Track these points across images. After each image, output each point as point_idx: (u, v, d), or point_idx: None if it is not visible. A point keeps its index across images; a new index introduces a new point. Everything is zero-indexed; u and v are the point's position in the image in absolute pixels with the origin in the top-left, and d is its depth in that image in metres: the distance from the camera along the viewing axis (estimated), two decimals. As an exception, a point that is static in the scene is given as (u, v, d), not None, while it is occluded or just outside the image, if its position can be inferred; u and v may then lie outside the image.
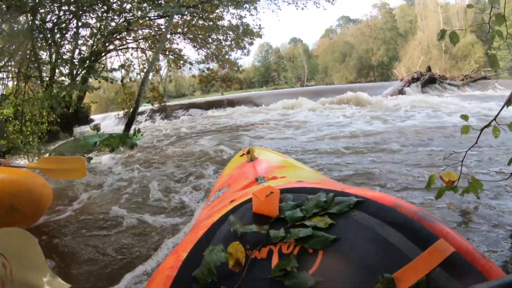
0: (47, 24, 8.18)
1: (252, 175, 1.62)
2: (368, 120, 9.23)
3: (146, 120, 16.83)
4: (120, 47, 14.30)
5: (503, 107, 1.83)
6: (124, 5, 10.44)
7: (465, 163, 2.31)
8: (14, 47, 7.29)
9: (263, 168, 1.77)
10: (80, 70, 8.57)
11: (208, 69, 15.72)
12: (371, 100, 15.10)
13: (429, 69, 21.65)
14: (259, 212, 0.98)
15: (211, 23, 14.61)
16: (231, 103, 18.99)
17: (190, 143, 8.10)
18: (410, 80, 20.60)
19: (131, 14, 10.73)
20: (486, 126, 1.83)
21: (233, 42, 15.44)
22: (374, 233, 0.81)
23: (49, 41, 8.31)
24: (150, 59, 13.64)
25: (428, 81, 20.75)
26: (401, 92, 19.34)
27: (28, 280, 0.95)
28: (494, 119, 1.79)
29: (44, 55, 9.14)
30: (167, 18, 12.10)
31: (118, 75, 14.10)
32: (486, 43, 37.94)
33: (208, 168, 5.10)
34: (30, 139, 7.16)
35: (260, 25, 15.29)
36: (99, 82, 11.22)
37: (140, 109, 15.65)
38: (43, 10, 7.93)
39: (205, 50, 15.71)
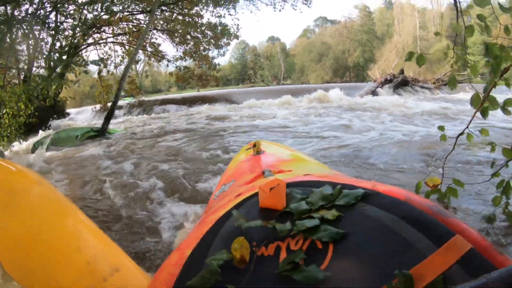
0: (27, 16, 8.08)
1: (259, 169, 1.59)
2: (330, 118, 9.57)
3: (124, 114, 16.62)
4: (100, 41, 14.13)
5: (472, 118, 1.94)
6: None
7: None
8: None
9: (269, 161, 1.73)
10: (59, 63, 8.51)
11: (185, 67, 15.70)
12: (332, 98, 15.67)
13: (402, 71, 22.12)
14: (265, 206, 0.96)
15: (190, 19, 14.59)
16: (207, 100, 19.04)
17: (165, 139, 7.99)
18: (383, 81, 20.93)
19: (112, 6, 10.64)
20: (460, 134, 1.91)
21: (211, 40, 15.45)
22: (386, 227, 0.77)
23: (28, 33, 8.22)
24: (130, 54, 13.53)
25: (401, 83, 21.15)
26: (374, 93, 19.46)
27: None
28: (467, 127, 1.92)
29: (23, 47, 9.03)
30: (147, 13, 12.09)
31: (94, 68, 13.86)
32: (459, 48, 38.81)
33: (179, 165, 5.04)
34: (8, 132, 7.13)
35: (238, 25, 15.18)
36: (76, 76, 11.12)
37: (121, 103, 15.51)
38: (23, 1, 7.83)
39: (183, 47, 15.67)
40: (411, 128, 7.41)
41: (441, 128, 2.14)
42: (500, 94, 1.74)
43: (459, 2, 2.15)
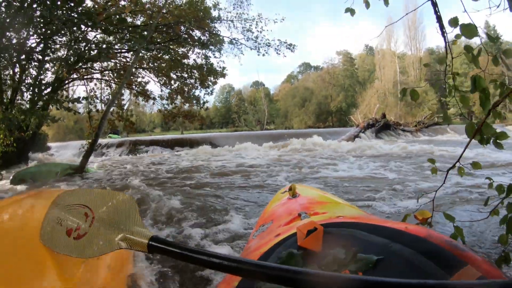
0: (13, 45, 8.02)
1: (295, 211, 1.67)
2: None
3: (104, 154, 16.41)
4: (85, 77, 14.08)
5: (464, 151, 1.92)
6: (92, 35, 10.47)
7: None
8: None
9: (305, 204, 1.83)
10: (42, 96, 8.41)
11: (172, 103, 15.72)
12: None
13: (383, 115, 22.60)
14: (303, 246, 1.04)
15: (177, 60, 14.74)
16: (192, 143, 19.13)
17: (143, 180, 7.29)
18: (365, 126, 21.32)
19: (99, 44, 10.68)
20: (451, 168, 1.92)
21: (197, 80, 15.56)
22: (408, 262, 0.86)
23: (14, 62, 8.14)
24: (114, 91, 13.51)
25: (383, 127, 21.59)
26: (356, 137, 19.86)
27: (110, 228, 1.01)
28: (458, 160, 1.92)
29: (6, 76, 8.95)
30: (133, 52, 12.17)
31: (78, 105, 13.76)
32: (439, 90, 40.34)
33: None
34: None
35: (224, 67, 15.40)
36: (59, 111, 10.96)
37: (110, 141, 15.35)
38: (11, 29, 7.79)
39: (168, 87, 15.73)
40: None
41: (431, 161, 2.12)
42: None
43: (446, 34, 2.17)
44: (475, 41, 22.72)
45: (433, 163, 2.06)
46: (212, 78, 15.43)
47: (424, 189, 4.84)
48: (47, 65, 9.89)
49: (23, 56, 8.43)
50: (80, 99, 9.52)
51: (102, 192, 1.13)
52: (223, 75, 15.68)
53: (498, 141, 1.69)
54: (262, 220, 1.97)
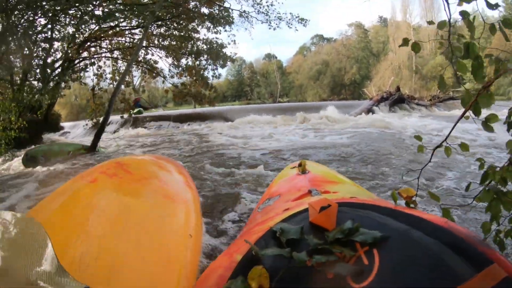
0: (20, 26, 8.03)
1: (305, 187, 1.67)
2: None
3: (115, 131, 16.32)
4: (94, 55, 14.10)
5: (452, 128, 1.87)
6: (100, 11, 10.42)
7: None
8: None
9: (315, 181, 1.82)
10: (52, 76, 8.48)
11: (182, 84, 15.67)
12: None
13: (398, 89, 22.13)
14: (316, 223, 1.01)
15: (186, 34, 14.65)
16: (203, 117, 19.14)
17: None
18: (379, 99, 20.93)
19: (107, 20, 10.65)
20: (437, 147, 1.82)
21: (208, 58, 15.47)
22: (430, 251, 0.83)
23: (22, 44, 8.16)
24: (123, 70, 13.52)
25: (397, 100, 21.15)
26: (370, 111, 19.48)
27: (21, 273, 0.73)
28: (445, 140, 1.83)
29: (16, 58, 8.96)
30: (142, 29, 12.13)
31: (90, 82, 13.85)
32: (455, 65, 39.35)
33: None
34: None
35: (234, 41, 15.21)
36: (69, 87, 11.07)
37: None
38: (17, 12, 7.79)
39: (178, 67, 15.67)
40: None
41: (418, 137, 2.00)
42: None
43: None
44: (493, 14, 22.00)
45: (420, 140, 1.96)
46: (221, 61, 15.34)
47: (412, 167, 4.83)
48: (56, 45, 9.91)
49: (32, 38, 8.44)
50: (88, 70, 9.48)
51: None
52: (232, 60, 15.58)
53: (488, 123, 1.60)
54: (268, 194, 2.01)
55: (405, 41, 1.97)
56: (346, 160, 5.92)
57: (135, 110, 16.30)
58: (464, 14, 1.69)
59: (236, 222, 3.09)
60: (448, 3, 1.81)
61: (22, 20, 8.19)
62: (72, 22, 10.02)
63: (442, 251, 0.82)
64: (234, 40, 15.24)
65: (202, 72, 15.34)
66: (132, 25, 13.12)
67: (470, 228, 2.63)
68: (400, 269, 0.81)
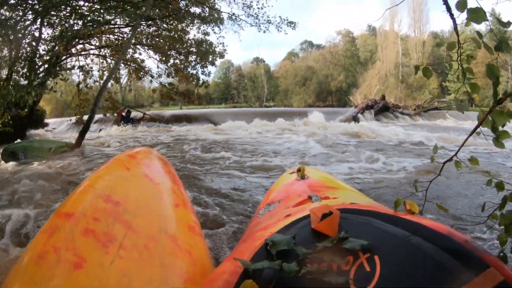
0: (9, 21, 7.90)
1: (305, 193, 1.68)
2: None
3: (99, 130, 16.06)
4: (82, 52, 13.98)
5: (463, 143, 1.86)
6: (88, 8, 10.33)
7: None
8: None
9: (314, 186, 1.83)
10: (38, 73, 8.37)
11: (170, 84, 15.64)
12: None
13: (383, 97, 22.42)
14: (318, 230, 1.03)
15: (176, 35, 14.63)
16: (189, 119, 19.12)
17: None
18: (364, 107, 21.23)
19: (96, 18, 10.56)
20: (448, 161, 1.80)
21: (197, 58, 15.47)
22: (430, 257, 0.85)
23: (10, 40, 8.05)
24: (111, 67, 13.42)
25: (382, 109, 21.44)
26: (355, 118, 19.75)
27: None
28: (455, 154, 1.81)
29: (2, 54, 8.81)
30: (131, 28, 12.07)
31: (76, 78, 13.77)
32: (440, 75, 40.03)
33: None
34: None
35: (223, 43, 15.25)
36: (56, 83, 10.96)
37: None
38: (6, 7, 7.67)
39: (166, 66, 15.63)
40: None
41: (435, 148, 1.92)
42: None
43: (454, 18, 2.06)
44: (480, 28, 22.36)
45: (435, 152, 1.89)
46: (211, 57, 15.33)
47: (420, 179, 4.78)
48: (44, 42, 9.79)
49: (20, 34, 8.33)
50: (76, 68, 9.39)
51: None
52: (222, 56, 15.59)
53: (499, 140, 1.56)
54: (267, 199, 2.00)
55: (416, 68, 1.96)
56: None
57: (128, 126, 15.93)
58: (478, 35, 1.65)
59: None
60: (455, 23, 1.82)
61: (10, 15, 8.09)
62: (62, 17, 9.90)
63: (441, 256, 0.84)
64: (223, 43, 15.29)
65: (190, 71, 15.35)
66: (121, 24, 13.04)
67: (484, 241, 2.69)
68: (400, 274, 0.84)
